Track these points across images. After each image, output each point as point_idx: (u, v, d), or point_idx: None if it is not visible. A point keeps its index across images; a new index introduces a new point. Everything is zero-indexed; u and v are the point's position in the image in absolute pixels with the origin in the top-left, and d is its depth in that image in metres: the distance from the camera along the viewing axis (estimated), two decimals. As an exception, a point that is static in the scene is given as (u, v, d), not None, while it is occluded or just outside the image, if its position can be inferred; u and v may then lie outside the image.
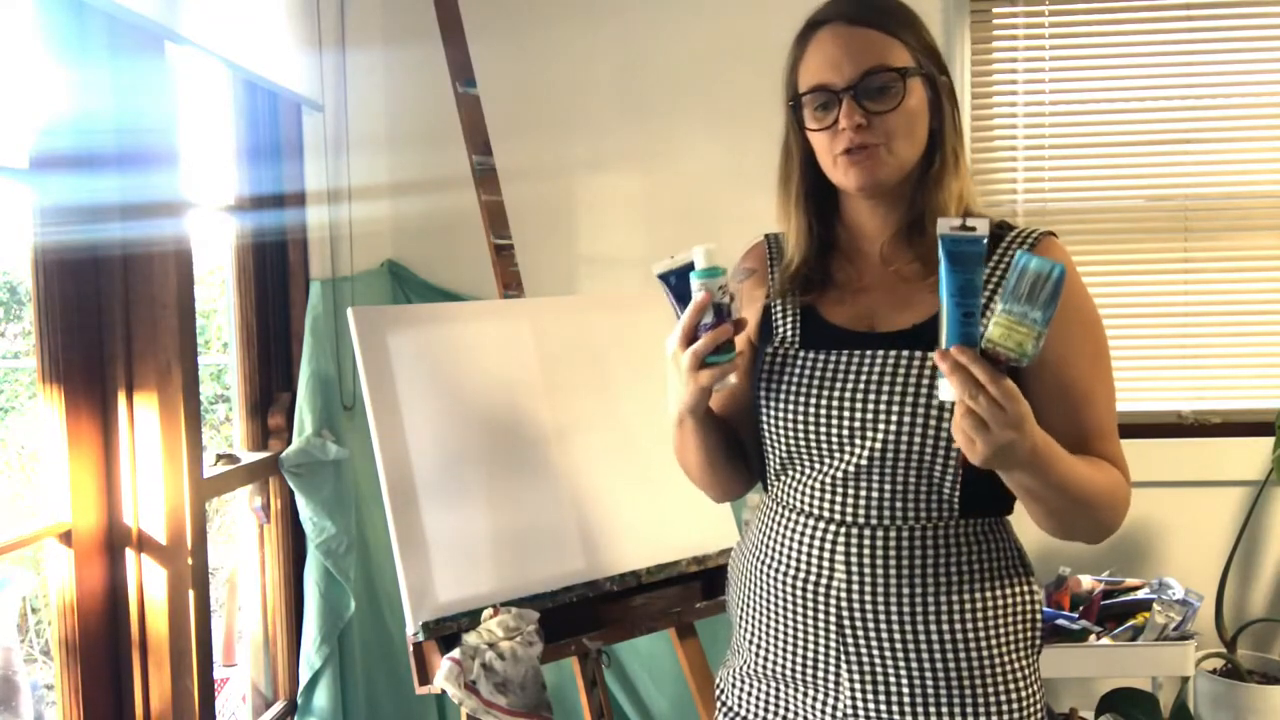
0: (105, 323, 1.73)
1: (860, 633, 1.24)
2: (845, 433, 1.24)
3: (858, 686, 1.26)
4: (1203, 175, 2.86)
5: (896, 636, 1.23)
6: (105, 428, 1.74)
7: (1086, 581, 2.60)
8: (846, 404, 1.24)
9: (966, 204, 1.28)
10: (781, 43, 1.31)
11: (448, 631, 1.87)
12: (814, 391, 1.27)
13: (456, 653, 1.80)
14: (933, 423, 1.20)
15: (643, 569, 2.10)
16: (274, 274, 2.40)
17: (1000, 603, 1.26)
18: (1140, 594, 2.56)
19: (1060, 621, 2.46)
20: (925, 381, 1.21)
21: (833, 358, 1.27)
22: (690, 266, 1.21)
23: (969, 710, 1.24)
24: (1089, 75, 2.86)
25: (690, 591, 2.17)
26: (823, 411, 1.26)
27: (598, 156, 2.87)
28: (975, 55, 2.85)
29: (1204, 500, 2.83)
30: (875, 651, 1.24)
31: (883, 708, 1.25)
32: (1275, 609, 2.84)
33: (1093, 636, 2.46)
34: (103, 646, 1.75)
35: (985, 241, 1.05)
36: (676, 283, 1.23)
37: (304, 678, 2.32)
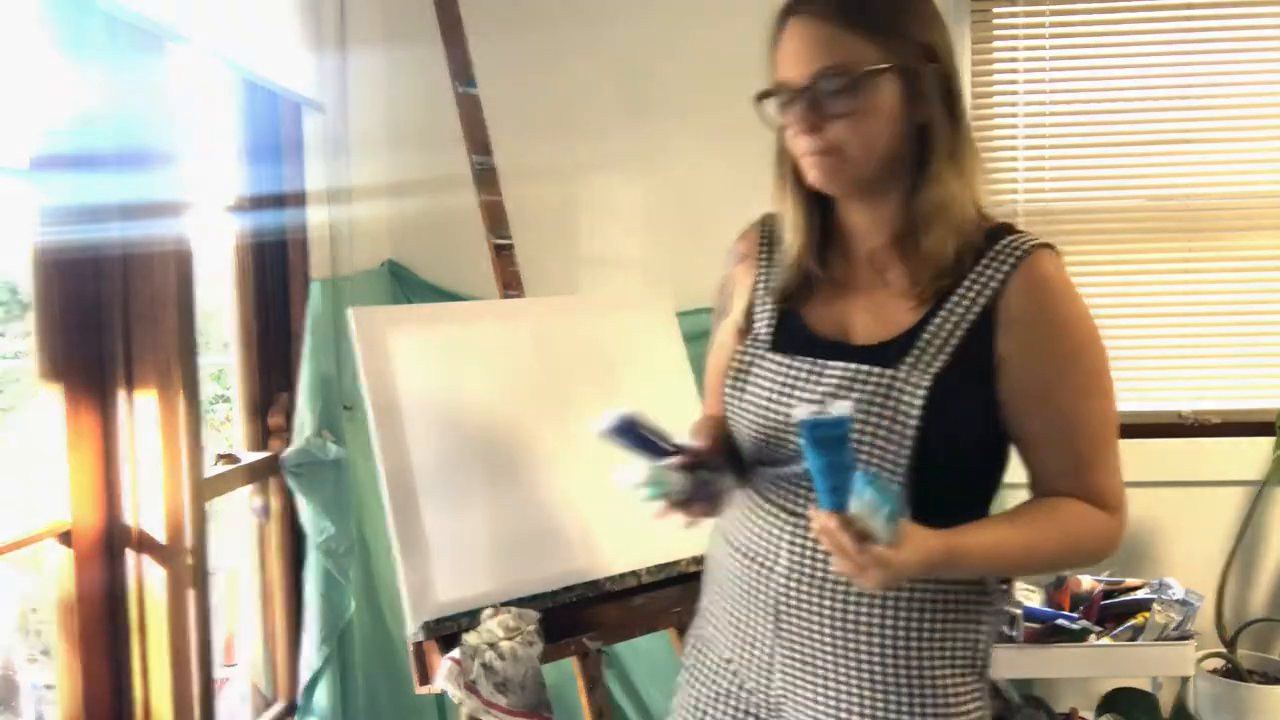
0: (105, 322, 1.72)
1: (795, 621, 1.25)
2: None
3: (789, 671, 1.27)
4: (1205, 175, 2.85)
5: (828, 629, 1.23)
6: (105, 428, 1.74)
7: (1086, 581, 2.60)
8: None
9: (967, 208, 1.21)
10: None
11: (448, 631, 1.86)
12: (772, 398, 1.27)
13: (456, 653, 1.80)
14: (881, 437, 1.18)
15: (643, 569, 2.10)
16: (274, 274, 2.40)
17: (942, 609, 1.22)
18: (1140, 594, 2.56)
19: (1060, 621, 2.46)
20: (879, 398, 1.19)
21: (794, 363, 1.26)
22: (629, 422, 1.24)
23: (901, 711, 1.22)
24: (1090, 75, 2.86)
25: (690, 591, 2.15)
26: (779, 419, 1.26)
27: (598, 157, 2.87)
28: (975, 55, 2.85)
29: (1204, 500, 2.83)
30: (807, 641, 1.24)
31: (811, 694, 1.25)
32: (1275, 609, 2.83)
33: (1093, 636, 2.46)
34: (103, 646, 1.74)
35: (849, 423, 1.07)
36: (623, 437, 1.26)
37: (304, 678, 2.31)
